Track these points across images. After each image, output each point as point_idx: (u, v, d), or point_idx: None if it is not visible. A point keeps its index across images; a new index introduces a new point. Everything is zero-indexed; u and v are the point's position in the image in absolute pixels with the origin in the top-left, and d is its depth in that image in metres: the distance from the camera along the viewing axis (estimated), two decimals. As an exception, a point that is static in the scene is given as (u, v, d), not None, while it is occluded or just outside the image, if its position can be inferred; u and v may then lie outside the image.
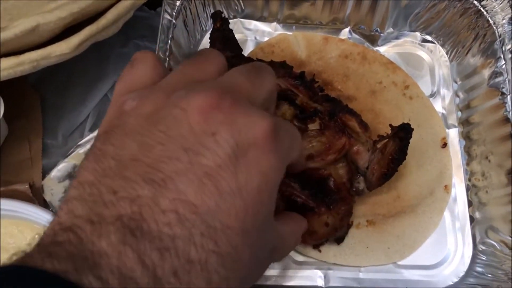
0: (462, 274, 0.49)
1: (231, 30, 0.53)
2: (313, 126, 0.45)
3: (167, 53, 0.50)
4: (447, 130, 0.55)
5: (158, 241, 0.23)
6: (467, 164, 0.53)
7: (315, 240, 0.46)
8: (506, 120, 0.49)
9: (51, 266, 0.21)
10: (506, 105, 0.49)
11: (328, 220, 0.42)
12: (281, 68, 0.48)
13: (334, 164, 0.45)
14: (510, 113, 0.49)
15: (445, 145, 0.53)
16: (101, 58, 0.57)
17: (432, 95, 0.57)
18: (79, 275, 0.21)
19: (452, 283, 0.48)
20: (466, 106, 0.56)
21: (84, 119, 0.55)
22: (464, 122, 0.55)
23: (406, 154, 0.45)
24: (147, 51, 0.33)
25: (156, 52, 0.49)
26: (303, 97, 0.46)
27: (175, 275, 0.23)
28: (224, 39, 0.51)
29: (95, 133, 0.53)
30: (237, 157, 0.26)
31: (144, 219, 0.23)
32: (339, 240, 0.48)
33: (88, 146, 0.53)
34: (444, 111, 0.56)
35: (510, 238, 0.46)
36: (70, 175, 0.51)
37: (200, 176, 0.25)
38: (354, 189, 0.46)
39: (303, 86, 0.46)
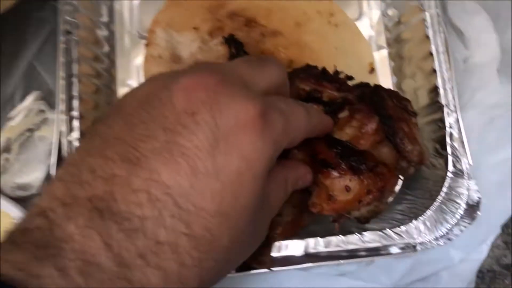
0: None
1: (247, 53, 0.48)
2: (343, 115, 0.39)
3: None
4: (376, 53, 0.52)
5: (127, 222, 0.22)
6: (397, 86, 0.50)
7: (332, 208, 0.37)
8: (427, 37, 0.45)
9: (11, 257, 0.20)
10: (426, 22, 0.46)
11: (350, 184, 0.35)
12: (303, 72, 0.42)
13: (377, 147, 0.39)
14: (430, 30, 0.45)
15: (372, 70, 0.50)
16: (18, 25, 0.53)
17: (359, 17, 0.53)
18: (40, 265, 0.20)
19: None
20: (395, 24, 0.52)
21: (13, 90, 0.52)
22: (393, 42, 0.52)
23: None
24: None
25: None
26: (330, 92, 0.41)
27: (142, 257, 0.22)
28: None
29: (26, 103, 0.51)
30: (216, 138, 0.24)
31: (114, 199, 0.22)
32: (364, 221, 0.39)
33: (20, 117, 0.50)
34: (372, 33, 0.53)
35: (433, 155, 0.45)
36: (5, 149, 0.50)
37: (176, 155, 0.24)
38: (399, 169, 0.40)
39: (326, 81, 0.41)
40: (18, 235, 0.22)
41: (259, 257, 0.39)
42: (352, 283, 0.44)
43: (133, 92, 0.27)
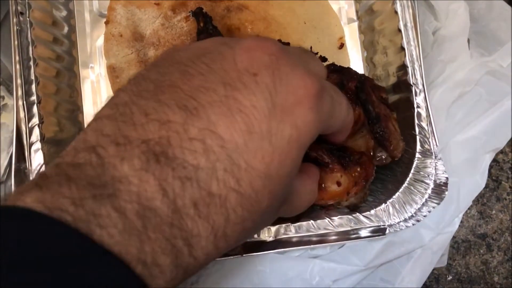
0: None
1: (216, 28, 0.44)
2: None
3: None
4: (346, 27, 0.48)
5: (182, 169, 0.21)
6: (367, 59, 0.48)
7: (323, 198, 0.38)
8: (395, 12, 0.42)
9: (68, 192, 0.19)
10: (395, -3, 0.42)
11: (341, 179, 0.37)
12: None
13: (353, 137, 0.39)
14: (398, 5, 0.42)
15: (342, 45, 0.47)
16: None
17: (329, -11, 0.49)
18: (98, 204, 0.19)
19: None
20: (366, -5, 0.48)
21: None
22: (364, 14, 0.48)
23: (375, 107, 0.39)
24: None
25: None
26: None
27: (195, 207, 0.21)
28: None
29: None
30: (274, 103, 0.24)
31: (170, 145, 0.22)
32: (353, 207, 0.41)
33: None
34: (341, 5, 0.49)
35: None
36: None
37: (234, 111, 0.23)
38: (377, 159, 0.40)
39: None
40: (70, 169, 0.21)
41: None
42: (325, 265, 0.43)
43: (187, 46, 0.27)
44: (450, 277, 0.52)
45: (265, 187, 0.24)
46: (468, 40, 0.49)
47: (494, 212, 0.53)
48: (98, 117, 0.23)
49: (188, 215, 0.21)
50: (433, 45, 0.49)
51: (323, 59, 0.41)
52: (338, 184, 0.37)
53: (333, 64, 0.41)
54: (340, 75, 0.39)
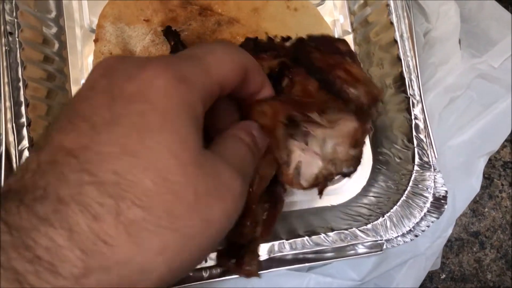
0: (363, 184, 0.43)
1: (184, 45, 0.40)
2: (286, 83, 0.33)
3: None
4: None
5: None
6: (364, 72, 0.44)
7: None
8: (391, 23, 0.39)
9: None
10: (389, 8, 0.39)
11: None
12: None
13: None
14: (393, 15, 0.39)
15: (335, 56, 0.44)
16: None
17: (321, 3, 0.46)
18: None
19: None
20: (361, 6, 0.45)
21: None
22: (358, 26, 0.45)
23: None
24: None
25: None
26: (269, 62, 0.33)
27: None
28: None
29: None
30: (113, 98, 0.21)
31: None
32: (348, 173, 0.34)
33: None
34: (336, 18, 0.46)
35: (400, 148, 0.40)
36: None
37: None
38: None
39: (262, 52, 0.34)
40: None
41: (246, 268, 0.34)
42: (321, 279, 0.40)
43: None
44: (443, 276, 0.50)
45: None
46: (459, 41, 0.46)
47: (486, 210, 0.51)
48: None
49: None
50: (424, 47, 0.46)
51: (286, 39, 0.37)
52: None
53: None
54: (295, 49, 0.34)
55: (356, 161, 0.32)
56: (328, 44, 0.34)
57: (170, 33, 0.41)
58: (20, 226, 0.18)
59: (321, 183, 0.33)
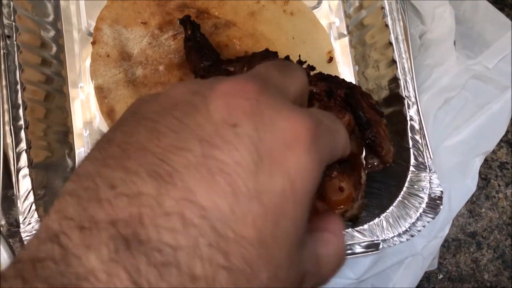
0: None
1: (203, 35, 0.40)
2: None
3: None
4: (337, 41, 0.45)
5: (157, 254, 0.16)
6: (359, 74, 0.44)
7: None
8: (386, 26, 0.39)
9: None
10: (384, 10, 0.39)
11: (343, 184, 0.32)
12: (262, 58, 0.36)
13: None
14: (388, 18, 0.39)
15: (331, 59, 0.44)
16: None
17: (318, 4, 0.46)
18: None
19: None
20: (356, 9, 0.45)
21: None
22: (354, 29, 0.45)
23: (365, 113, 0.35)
24: None
25: None
26: None
27: None
28: (199, 47, 0.39)
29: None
30: (260, 155, 0.19)
31: (142, 224, 0.17)
32: (354, 218, 0.36)
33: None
34: (331, 20, 0.46)
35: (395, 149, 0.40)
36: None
37: (214, 172, 0.18)
38: (369, 166, 0.36)
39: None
40: (28, 268, 0.16)
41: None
42: (317, 279, 0.39)
43: (154, 97, 0.21)
44: (441, 276, 0.50)
45: (261, 257, 0.18)
46: (454, 42, 0.46)
47: (483, 210, 0.51)
48: (62, 193, 0.18)
49: None
50: (420, 48, 0.46)
51: (311, 68, 0.37)
52: (341, 189, 0.32)
53: (320, 73, 0.38)
54: (328, 82, 0.36)
55: (355, 217, 0.35)
56: (367, 97, 0.36)
57: (188, 22, 0.40)
58: None
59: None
